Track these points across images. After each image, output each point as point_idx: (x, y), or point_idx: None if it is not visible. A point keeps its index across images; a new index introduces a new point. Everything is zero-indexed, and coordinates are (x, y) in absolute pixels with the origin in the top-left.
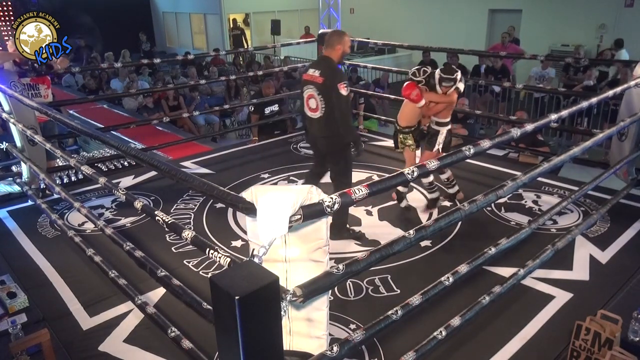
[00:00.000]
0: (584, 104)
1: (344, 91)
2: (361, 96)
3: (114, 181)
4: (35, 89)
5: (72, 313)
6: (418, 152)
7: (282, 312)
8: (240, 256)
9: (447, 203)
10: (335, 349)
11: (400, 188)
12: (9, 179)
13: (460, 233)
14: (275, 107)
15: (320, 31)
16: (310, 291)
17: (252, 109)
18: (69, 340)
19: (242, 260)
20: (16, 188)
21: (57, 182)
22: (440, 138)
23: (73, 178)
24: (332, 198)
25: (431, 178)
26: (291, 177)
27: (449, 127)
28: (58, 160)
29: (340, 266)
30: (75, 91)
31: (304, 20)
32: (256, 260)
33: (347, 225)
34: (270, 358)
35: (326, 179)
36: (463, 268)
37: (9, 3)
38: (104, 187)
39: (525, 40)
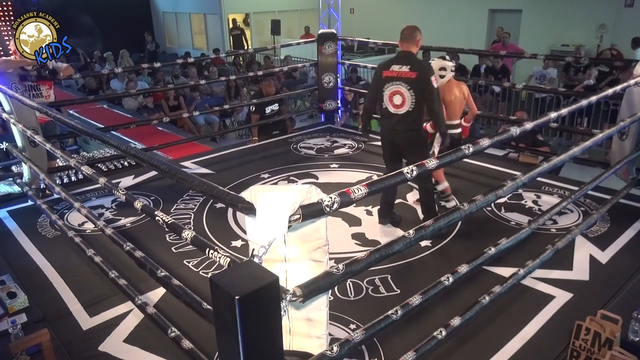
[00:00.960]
0: (584, 102)
1: (435, 83)
2: (362, 96)
3: (114, 181)
4: (36, 89)
5: (72, 313)
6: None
7: (282, 312)
8: (240, 256)
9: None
10: (335, 349)
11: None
12: (9, 179)
13: (460, 233)
14: (276, 107)
15: (320, 31)
16: (310, 291)
17: (253, 108)
18: (69, 340)
19: (242, 260)
20: (16, 188)
21: (57, 182)
22: (436, 141)
23: (73, 178)
24: (331, 198)
25: (444, 186)
26: (291, 177)
27: (452, 130)
28: (58, 160)
29: (340, 266)
30: (75, 91)
31: (304, 20)
32: (256, 260)
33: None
34: (270, 358)
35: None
36: (463, 268)
37: (9, 3)
38: (104, 187)
39: (525, 40)
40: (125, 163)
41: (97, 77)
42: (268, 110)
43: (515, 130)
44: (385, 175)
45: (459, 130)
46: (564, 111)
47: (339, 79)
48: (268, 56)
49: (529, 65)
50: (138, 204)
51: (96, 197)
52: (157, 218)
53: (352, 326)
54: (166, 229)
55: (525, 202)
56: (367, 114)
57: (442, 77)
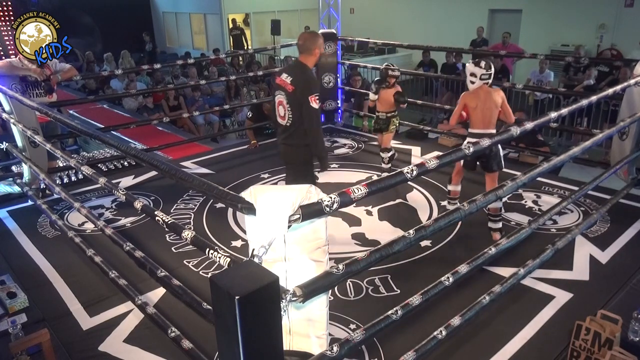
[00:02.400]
0: (584, 102)
1: (315, 104)
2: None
3: (114, 181)
4: (39, 88)
5: (72, 313)
6: None
7: (282, 312)
8: (240, 256)
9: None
10: (335, 349)
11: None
12: (9, 179)
13: (460, 233)
14: None
15: (320, 31)
16: (310, 291)
17: (250, 115)
18: (69, 340)
19: (242, 260)
20: (16, 188)
21: (57, 182)
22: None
23: (73, 178)
24: (331, 198)
25: (454, 188)
26: None
27: (472, 139)
28: (58, 160)
29: (340, 266)
30: (75, 91)
31: (304, 20)
32: (256, 260)
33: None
34: (270, 358)
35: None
36: (463, 268)
37: (9, 3)
38: (104, 187)
39: (525, 40)
40: (125, 163)
41: (96, 78)
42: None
43: (515, 131)
44: (385, 176)
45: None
46: (564, 111)
47: (338, 79)
48: (272, 57)
49: (529, 66)
50: (138, 204)
51: (96, 197)
52: (157, 218)
53: (352, 326)
54: (166, 229)
55: (525, 202)
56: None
57: (472, 82)
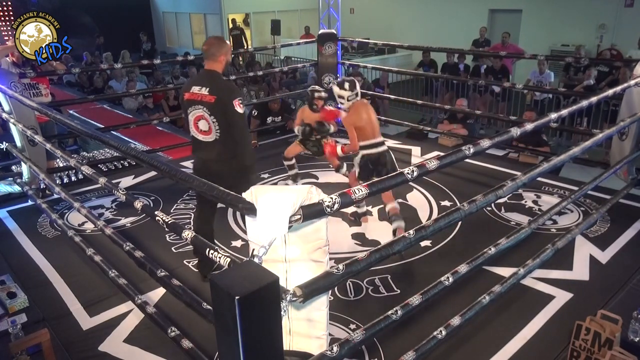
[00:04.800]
0: (584, 103)
1: (239, 109)
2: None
3: (114, 181)
4: (35, 88)
5: (72, 313)
6: None
7: (282, 312)
8: (240, 256)
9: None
10: (335, 349)
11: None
12: (9, 179)
13: (460, 233)
14: (278, 119)
15: (321, 32)
16: (310, 291)
17: (256, 113)
18: (69, 340)
19: (242, 260)
20: (16, 188)
21: (57, 182)
22: (355, 162)
23: (73, 178)
24: (332, 198)
25: (391, 206)
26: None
27: (369, 150)
28: (58, 160)
29: (340, 266)
30: (75, 91)
31: (304, 20)
32: (256, 260)
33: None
34: (270, 358)
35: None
36: (463, 268)
37: (9, 3)
38: (104, 187)
39: (525, 40)
40: (125, 163)
41: (93, 74)
42: (269, 119)
43: (515, 132)
44: (385, 176)
45: (380, 149)
46: (564, 112)
47: (338, 79)
48: (269, 62)
49: (529, 66)
50: (138, 204)
51: (96, 197)
52: (157, 218)
53: (352, 326)
54: (166, 229)
55: (525, 202)
56: None
57: (341, 104)
